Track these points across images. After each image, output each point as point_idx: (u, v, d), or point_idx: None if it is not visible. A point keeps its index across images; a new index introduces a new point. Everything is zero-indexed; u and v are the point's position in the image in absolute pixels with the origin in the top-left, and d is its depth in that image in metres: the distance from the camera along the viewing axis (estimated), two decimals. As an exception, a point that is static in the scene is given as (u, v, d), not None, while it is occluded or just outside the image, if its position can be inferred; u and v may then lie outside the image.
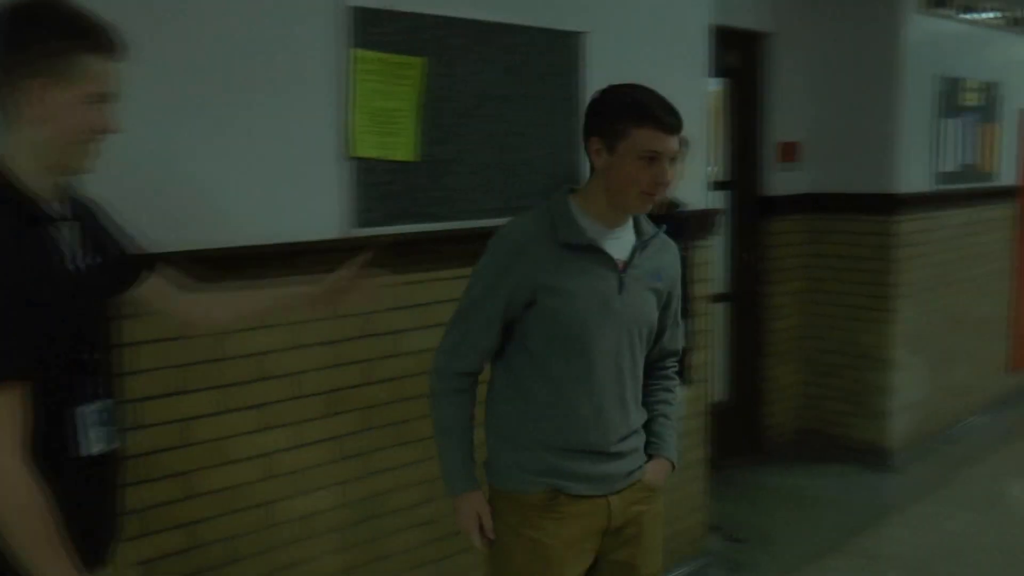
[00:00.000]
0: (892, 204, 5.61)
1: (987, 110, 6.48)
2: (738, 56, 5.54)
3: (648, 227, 2.35)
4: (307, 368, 2.91)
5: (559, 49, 3.54)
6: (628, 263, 2.27)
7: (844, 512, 4.99)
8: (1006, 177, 6.80)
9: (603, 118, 2.20)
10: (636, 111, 2.15)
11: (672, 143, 2.17)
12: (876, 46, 5.57)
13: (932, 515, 5.09)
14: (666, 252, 2.39)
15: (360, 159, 2.98)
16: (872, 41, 5.58)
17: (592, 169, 2.26)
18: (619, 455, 2.32)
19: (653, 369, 2.46)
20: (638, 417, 2.38)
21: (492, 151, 3.36)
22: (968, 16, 6.20)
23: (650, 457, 2.41)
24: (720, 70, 5.01)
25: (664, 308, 2.39)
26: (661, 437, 2.44)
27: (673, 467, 2.45)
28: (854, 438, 5.78)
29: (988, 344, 6.77)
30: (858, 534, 4.79)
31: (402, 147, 3.09)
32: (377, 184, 3.04)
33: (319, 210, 2.92)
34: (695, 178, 4.06)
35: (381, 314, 3.06)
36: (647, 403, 2.43)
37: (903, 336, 5.72)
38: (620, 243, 2.28)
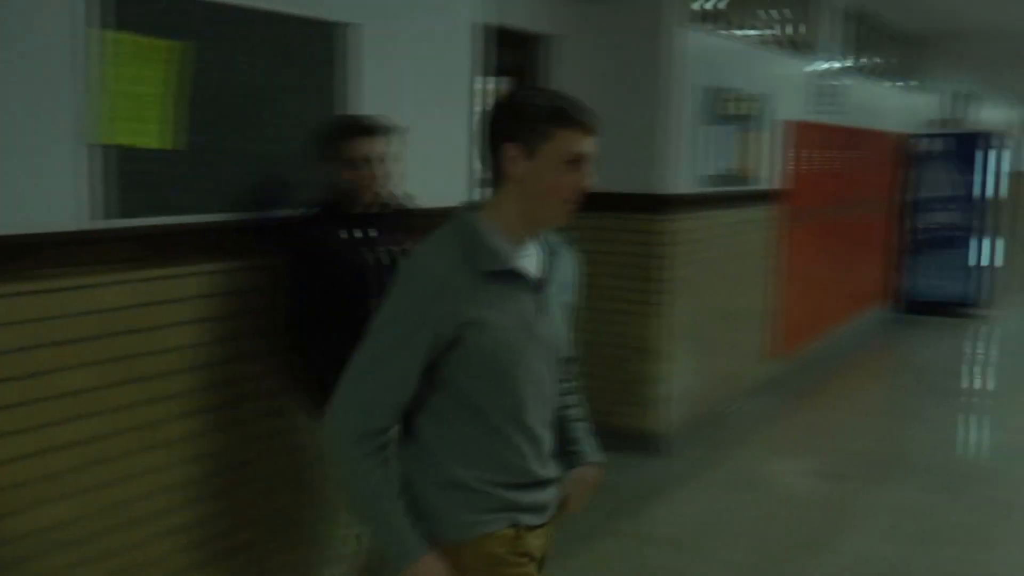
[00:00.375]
0: (658, 204, 5.85)
1: (752, 120, 6.88)
2: (517, 56, 5.61)
3: (550, 236, 2.20)
4: (50, 369, 2.75)
5: (323, 39, 3.49)
6: (544, 281, 2.13)
7: (616, 497, 5.11)
8: (766, 182, 7.22)
9: (521, 121, 2.00)
10: (558, 112, 2.00)
11: (593, 146, 2.06)
12: (645, 55, 5.79)
13: (698, 496, 5.35)
14: (567, 259, 2.25)
15: (111, 146, 2.83)
16: (642, 50, 5.79)
17: (500, 182, 2.06)
18: (552, 481, 2.24)
19: None
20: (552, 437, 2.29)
21: (255, 142, 3.27)
22: (739, 33, 6.58)
23: (572, 465, 2.36)
24: (499, 69, 5.06)
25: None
26: (582, 441, 2.40)
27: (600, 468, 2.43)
28: (629, 426, 5.97)
29: (749, 335, 7.18)
30: (627, 517, 4.96)
31: (154, 134, 2.96)
32: (132, 173, 2.90)
33: (57, 199, 2.75)
34: (458, 175, 4.09)
35: (136, 309, 2.93)
36: (560, 413, 2.33)
37: (672, 328, 5.97)
38: (531, 259, 2.12)
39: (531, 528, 2.17)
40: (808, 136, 7.78)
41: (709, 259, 6.35)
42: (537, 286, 2.10)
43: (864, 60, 9.36)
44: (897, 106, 10.50)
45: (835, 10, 8.26)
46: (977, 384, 8.83)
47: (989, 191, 10.78)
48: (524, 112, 2.01)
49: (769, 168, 7.22)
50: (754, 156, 6.95)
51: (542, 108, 2.00)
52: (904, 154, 10.70)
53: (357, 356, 2.04)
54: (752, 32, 6.82)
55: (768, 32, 7.07)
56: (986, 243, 10.86)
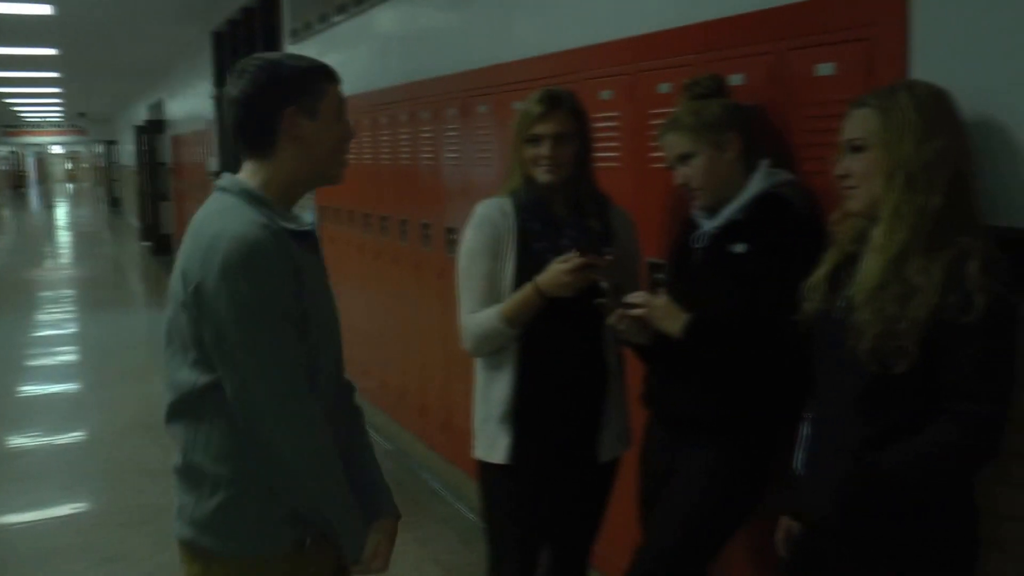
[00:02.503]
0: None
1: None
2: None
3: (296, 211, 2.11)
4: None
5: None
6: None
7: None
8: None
9: (295, 83, 1.95)
10: (321, 69, 2.00)
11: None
12: None
13: None
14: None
15: None
16: None
17: (271, 149, 1.96)
18: None
19: None
20: None
21: None
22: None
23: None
24: None
25: None
26: (380, 488, 2.27)
27: None
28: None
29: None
30: None
31: None
32: None
33: None
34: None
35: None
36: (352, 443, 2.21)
37: None
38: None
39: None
40: None
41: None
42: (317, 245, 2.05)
43: None
44: None
45: None
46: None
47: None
48: (294, 74, 1.96)
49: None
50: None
51: (308, 68, 1.98)
52: None
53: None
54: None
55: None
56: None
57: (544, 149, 2.68)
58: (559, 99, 2.72)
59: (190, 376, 1.90)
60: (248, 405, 1.85)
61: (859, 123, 1.99)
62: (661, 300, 2.47)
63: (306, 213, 2.17)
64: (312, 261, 1.97)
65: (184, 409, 1.93)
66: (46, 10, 9.37)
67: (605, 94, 3.43)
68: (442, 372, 4.99)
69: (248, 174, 1.99)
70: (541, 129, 2.69)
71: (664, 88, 3.13)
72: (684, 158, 2.51)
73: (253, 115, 1.95)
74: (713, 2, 2.93)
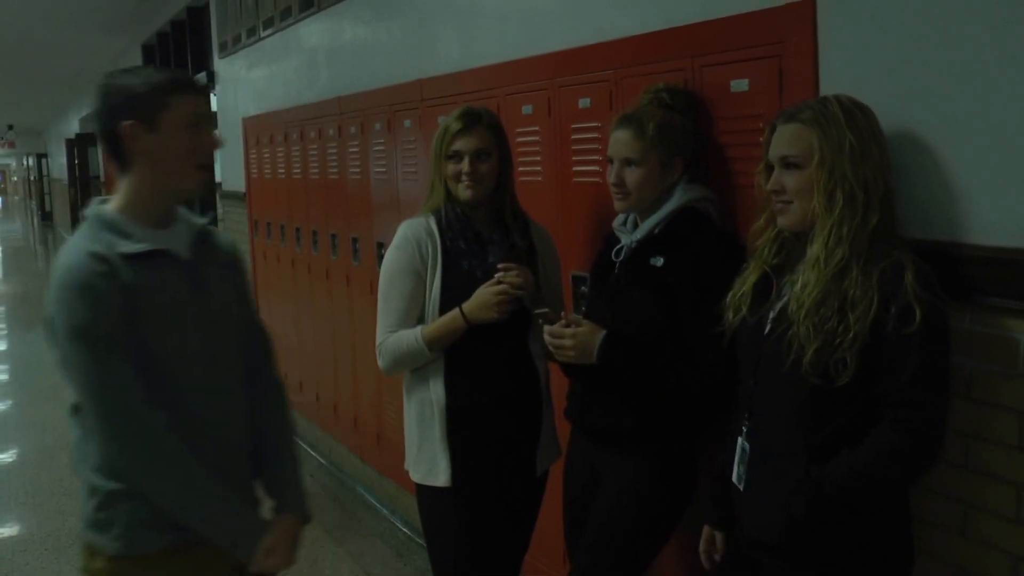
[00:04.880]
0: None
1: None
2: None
3: (194, 217, 2.20)
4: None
5: None
6: (198, 260, 2.11)
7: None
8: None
9: (129, 98, 1.99)
10: (167, 81, 2.01)
11: (209, 107, 2.12)
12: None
13: None
14: (220, 238, 2.26)
15: None
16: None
17: (126, 165, 2.03)
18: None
19: None
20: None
21: None
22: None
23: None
24: None
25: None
26: (288, 484, 2.34)
27: None
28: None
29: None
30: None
31: None
32: None
33: None
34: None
35: None
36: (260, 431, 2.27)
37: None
38: (179, 239, 2.10)
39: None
40: None
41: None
42: (190, 265, 2.09)
43: None
44: None
45: None
46: None
47: None
48: (136, 90, 1.99)
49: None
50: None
51: (148, 83, 2.00)
52: None
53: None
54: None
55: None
56: None
57: (464, 165, 2.71)
58: (477, 116, 2.75)
59: (72, 395, 2.03)
60: (88, 423, 1.99)
61: (791, 139, 1.99)
62: (572, 332, 2.47)
63: (197, 223, 2.18)
64: (158, 278, 2.01)
65: (74, 424, 2.07)
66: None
67: (526, 109, 3.47)
68: (374, 385, 4.99)
69: (116, 192, 2.07)
70: (460, 145, 2.72)
71: (584, 103, 3.18)
72: (628, 162, 2.51)
73: (100, 132, 2.03)
74: (629, 19, 2.98)
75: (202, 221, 2.19)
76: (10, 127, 29.57)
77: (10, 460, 6.60)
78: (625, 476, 2.55)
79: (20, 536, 5.18)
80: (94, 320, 1.91)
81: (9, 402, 8.26)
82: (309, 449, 6.14)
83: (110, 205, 2.06)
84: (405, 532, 4.75)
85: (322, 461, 5.93)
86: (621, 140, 2.51)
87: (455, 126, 2.73)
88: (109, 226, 2.01)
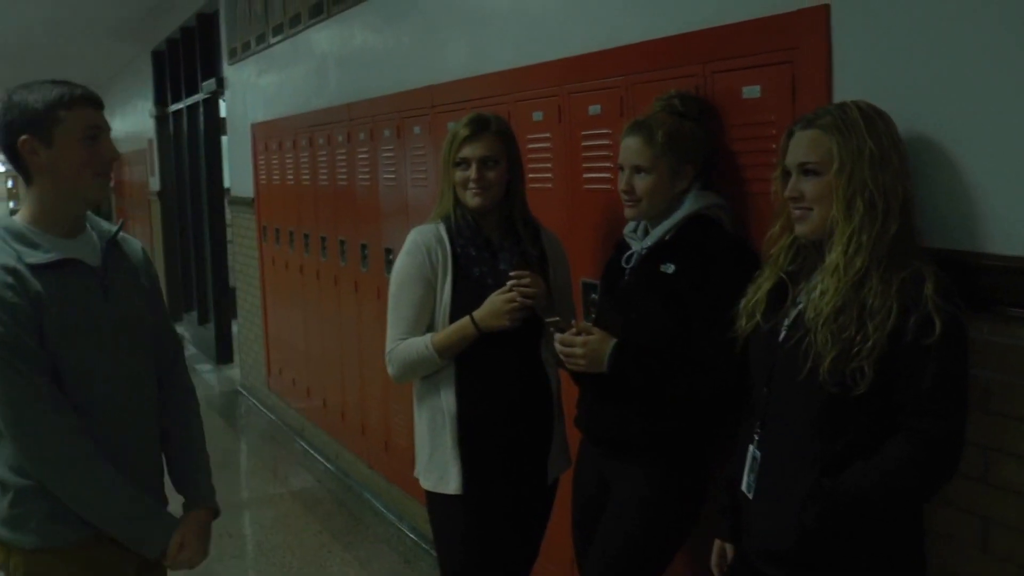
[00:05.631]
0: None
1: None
2: None
3: (103, 224, 2.28)
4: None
5: None
6: (106, 267, 2.19)
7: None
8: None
9: (21, 115, 2.08)
10: (61, 95, 2.09)
11: (104, 118, 2.18)
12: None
13: None
14: (131, 244, 2.34)
15: None
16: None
17: (29, 179, 2.12)
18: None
19: None
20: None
21: None
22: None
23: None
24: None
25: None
26: (199, 475, 2.43)
27: None
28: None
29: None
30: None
31: None
32: None
33: None
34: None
35: None
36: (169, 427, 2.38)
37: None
38: (87, 247, 2.18)
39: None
40: None
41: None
42: (100, 273, 2.16)
43: None
44: None
45: None
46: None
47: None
48: (29, 107, 2.08)
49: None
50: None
51: (41, 98, 2.08)
52: None
53: None
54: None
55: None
56: None
57: (471, 172, 2.70)
58: (486, 122, 2.74)
59: None
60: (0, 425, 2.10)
61: (810, 146, 1.97)
62: (583, 340, 2.45)
63: (107, 230, 2.26)
64: (68, 287, 2.09)
65: None
66: (-21, 28, 9.25)
67: (536, 115, 3.45)
68: (382, 392, 4.97)
69: (23, 204, 2.16)
70: (468, 152, 2.70)
71: (595, 110, 3.16)
72: (637, 169, 2.50)
73: (2, 147, 2.13)
74: (640, 25, 2.96)
75: (112, 228, 2.26)
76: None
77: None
78: (634, 485, 2.53)
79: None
80: (3, 329, 2.00)
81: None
82: (315, 454, 6.13)
83: (18, 216, 2.14)
84: (412, 539, 4.73)
85: (329, 467, 5.91)
86: (631, 147, 2.50)
87: (463, 132, 2.72)
88: (17, 237, 2.09)
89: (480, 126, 2.72)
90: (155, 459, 2.30)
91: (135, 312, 2.23)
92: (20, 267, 2.04)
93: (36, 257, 2.07)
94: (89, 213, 2.24)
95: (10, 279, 2.02)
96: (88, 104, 2.11)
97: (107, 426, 2.14)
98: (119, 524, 2.15)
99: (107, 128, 2.15)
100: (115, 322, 2.16)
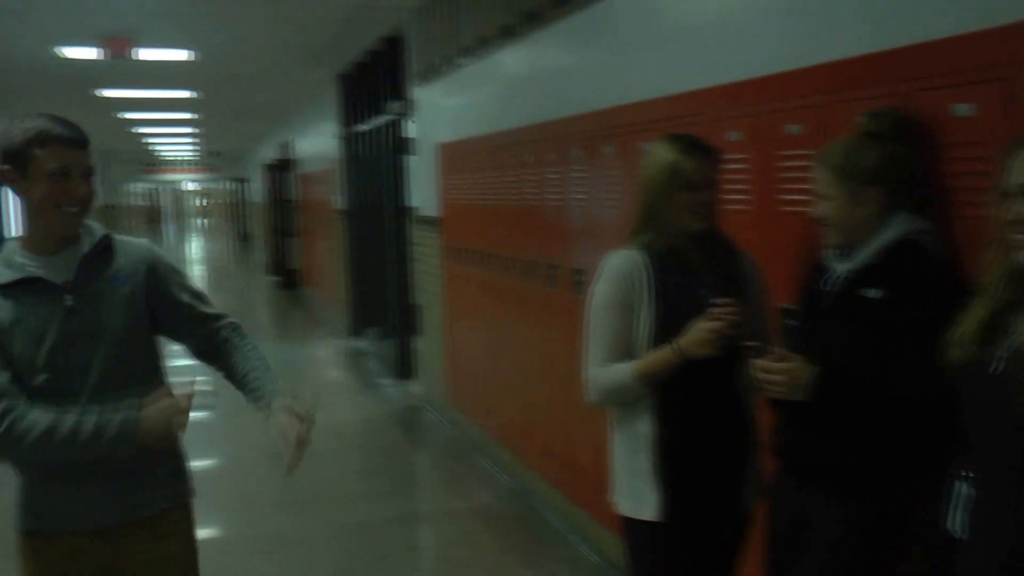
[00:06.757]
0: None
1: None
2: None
3: (96, 231, 2.44)
4: None
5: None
6: (75, 282, 2.35)
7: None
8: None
9: (8, 147, 2.28)
10: (36, 135, 2.26)
11: (80, 157, 2.31)
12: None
13: None
14: (128, 254, 2.48)
15: None
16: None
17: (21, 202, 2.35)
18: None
19: None
20: None
21: None
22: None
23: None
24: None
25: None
26: (261, 381, 2.61)
27: None
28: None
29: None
30: None
31: None
32: None
33: None
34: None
35: None
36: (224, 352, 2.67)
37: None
38: (60, 265, 2.36)
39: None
40: None
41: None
42: (63, 289, 2.33)
43: None
44: None
45: None
46: None
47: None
48: (11, 141, 2.27)
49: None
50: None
51: (22, 134, 2.26)
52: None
53: None
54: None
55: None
56: None
57: (704, 196, 2.68)
58: (709, 145, 2.73)
59: None
60: None
61: None
62: (783, 367, 2.40)
63: (96, 239, 2.44)
64: (25, 304, 2.30)
65: None
66: (187, 55, 9.82)
67: (732, 136, 3.40)
68: (566, 414, 4.98)
69: None
70: (700, 176, 2.68)
71: (793, 129, 3.09)
72: (820, 196, 2.47)
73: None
74: (839, 42, 2.89)
75: (100, 235, 2.43)
76: (217, 154, 31.36)
77: (216, 466, 6.92)
78: (835, 524, 2.44)
79: (228, 538, 5.41)
80: None
81: (208, 413, 8.65)
82: (497, 471, 6.19)
83: (19, 236, 2.39)
84: (595, 560, 4.70)
85: (511, 485, 5.96)
86: (815, 175, 2.48)
87: (693, 156, 2.69)
88: (3, 257, 2.35)
89: (706, 149, 2.71)
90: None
91: (105, 325, 2.37)
92: None
93: (2, 277, 2.31)
94: (93, 226, 2.43)
95: None
96: (62, 144, 2.27)
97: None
98: (92, 448, 2.28)
99: (82, 167, 2.31)
100: (72, 333, 2.32)
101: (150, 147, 28.39)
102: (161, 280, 2.52)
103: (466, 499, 5.95)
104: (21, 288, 2.31)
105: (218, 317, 2.63)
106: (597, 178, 4.53)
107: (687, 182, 2.67)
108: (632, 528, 2.79)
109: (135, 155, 31.24)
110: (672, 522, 2.70)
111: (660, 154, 2.74)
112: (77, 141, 2.31)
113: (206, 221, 55.11)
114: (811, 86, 3.01)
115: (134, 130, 20.94)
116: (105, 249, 2.43)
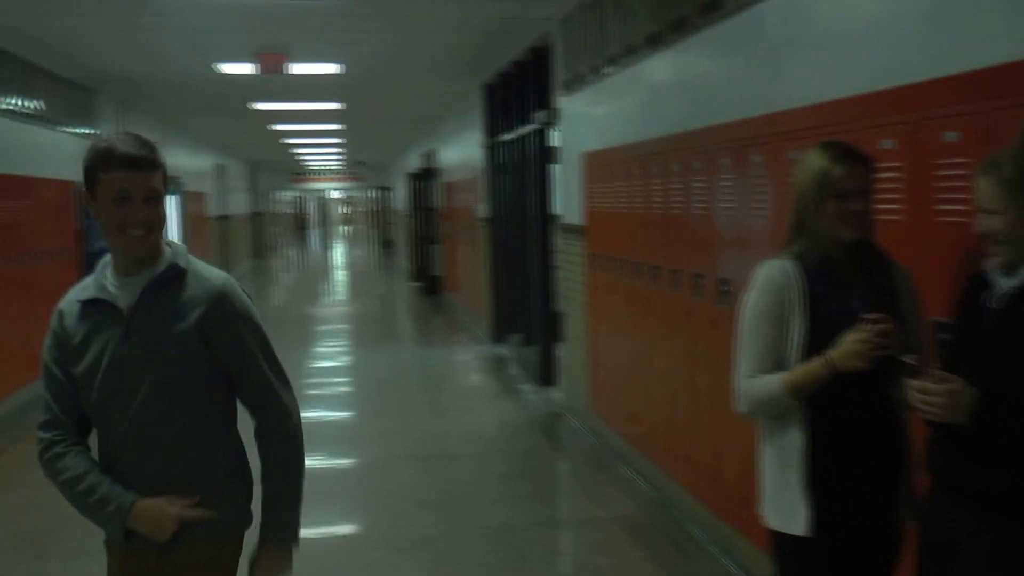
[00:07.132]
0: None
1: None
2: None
3: (175, 259, 2.41)
4: None
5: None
6: (136, 309, 2.35)
7: None
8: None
9: (84, 170, 2.32)
10: (100, 157, 2.29)
11: (142, 180, 2.28)
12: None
13: None
14: (195, 288, 2.40)
15: None
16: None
17: None
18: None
19: None
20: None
21: None
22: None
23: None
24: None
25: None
26: (269, 512, 2.59)
27: None
28: None
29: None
30: None
31: None
32: None
33: None
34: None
35: None
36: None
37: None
38: (130, 289, 2.37)
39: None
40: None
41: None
42: (126, 314, 2.34)
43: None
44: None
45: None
46: None
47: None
48: (85, 163, 2.31)
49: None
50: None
51: (91, 156, 2.31)
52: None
53: None
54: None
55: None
56: None
57: (856, 204, 2.64)
58: (862, 153, 2.68)
59: None
60: None
61: None
62: (942, 389, 2.30)
63: (166, 267, 2.42)
64: (92, 323, 2.36)
65: None
66: (336, 69, 10.15)
67: (886, 143, 3.32)
68: (711, 424, 4.93)
69: None
70: (851, 184, 2.63)
71: (950, 137, 3.00)
72: (988, 211, 2.36)
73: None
74: (1005, 44, 2.79)
75: (170, 262, 2.39)
76: (362, 163, 32.20)
77: (359, 465, 7.11)
78: (991, 547, 2.34)
79: (371, 535, 5.57)
80: (44, 353, 2.41)
81: (356, 413, 8.91)
82: (638, 480, 6.18)
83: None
84: (739, 573, 4.64)
85: (653, 495, 5.94)
86: (979, 186, 2.37)
87: (842, 163, 2.64)
88: (96, 271, 2.42)
89: (859, 156, 2.66)
90: (182, 473, 2.39)
91: (155, 354, 2.34)
92: (69, 303, 2.41)
93: (83, 294, 2.39)
94: (170, 249, 2.42)
95: (57, 312, 2.41)
96: (124, 167, 2.26)
97: (109, 451, 2.39)
98: (87, 515, 2.39)
99: (145, 190, 2.28)
100: (126, 360, 2.34)
101: (297, 157, 29.35)
102: (215, 321, 2.37)
103: (607, 507, 5.96)
104: (95, 307, 2.37)
105: (260, 405, 2.49)
106: (745, 187, 4.48)
107: (837, 190, 2.63)
108: (780, 542, 2.75)
109: (284, 164, 32.48)
110: (822, 537, 2.65)
111: (811, 162, 2.70)
112: (139, 163, 2.26)
113: (350, 228, 56.55)
114: (973, 92, 2.91)
115: (283, 141, 21.75)
116: (175, 277, 2.37)
